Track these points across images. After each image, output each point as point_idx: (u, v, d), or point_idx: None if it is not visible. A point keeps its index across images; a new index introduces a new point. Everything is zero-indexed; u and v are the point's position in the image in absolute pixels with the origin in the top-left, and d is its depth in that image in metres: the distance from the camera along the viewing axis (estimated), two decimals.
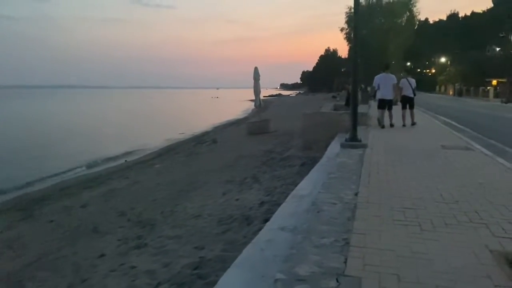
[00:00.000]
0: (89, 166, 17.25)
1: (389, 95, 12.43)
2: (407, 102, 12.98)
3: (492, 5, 57.59)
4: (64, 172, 15.86)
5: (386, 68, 13.13)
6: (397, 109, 13.00)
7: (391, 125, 12.48)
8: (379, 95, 12.69)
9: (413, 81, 13.11)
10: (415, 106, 13.51)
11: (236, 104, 72.87)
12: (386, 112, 12.56)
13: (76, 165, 17.08)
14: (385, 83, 12.41)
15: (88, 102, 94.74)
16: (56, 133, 28.99)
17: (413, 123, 12.93)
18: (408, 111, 12.98)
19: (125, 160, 18.25)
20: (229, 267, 3.47)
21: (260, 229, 4.51)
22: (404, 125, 12.67)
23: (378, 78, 12.53)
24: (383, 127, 12.22)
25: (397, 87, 12.80)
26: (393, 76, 12.85)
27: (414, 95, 13.05)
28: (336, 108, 19.26)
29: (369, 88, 27.15)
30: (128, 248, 6.44)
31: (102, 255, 6.33)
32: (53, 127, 33.61)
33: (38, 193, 12.66)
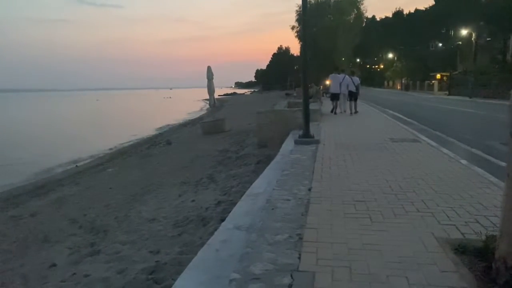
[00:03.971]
0: (37, 173, 16.44)
1: (337, 90, 16.59)
2: (351, 96, 16.63)
3: (433, 2, 60.23)
4: (9, 183, 15.01)
5: (335, 69, 17.70)
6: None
7: (343, 111, 16.69)
8: (330, 90, 17.03)
9: (356, 79, 16.93)
10: (358, 99, 17.31)
11: (190, 104, 72.13)
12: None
13: (23, 173, 16.22)
14: (335, 81, 16.58)
15: (30, 107, 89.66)
16: None
17: (356, 112, 16.62)
18: (352, 102, 16.63)
19: (76, 165, 17.58)
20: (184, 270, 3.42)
21: (216, 229, 4.48)
22: (350, 113, 16.37)
23: (330, 76, 16.88)
24: (335, 113, 16.39)
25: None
26: (342, 75, 16.70)
27: (357, 90, 16.68)
28: (289, 106, 19.48)
29: (320, 87, 27.68)
30: (81, 256, 6.22)
31: (53, 265, 6.07)
32: None
33: None
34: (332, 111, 16.61)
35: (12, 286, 5.66)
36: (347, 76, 16.76)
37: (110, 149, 22.01)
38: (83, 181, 13.56)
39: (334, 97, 16.86)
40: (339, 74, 16.95)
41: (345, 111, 16.69)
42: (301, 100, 10.70)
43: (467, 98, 31.99)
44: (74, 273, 5.51)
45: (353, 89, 16.52)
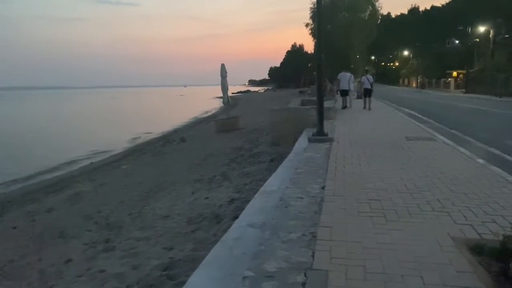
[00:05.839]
0: (53, 169, 16.70)
1: (346, 87, 18.34)
2: (366, 93, 18.10)
3: None
4: (27, 178, 15.28)
5: (343, 68, 20.47)
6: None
7: (350, 106, 18.40)
8: (340, 87, 18.69)
9: (370, 77, 18.45)
10: (372, 96, 18.60)
11: (204, 102, 72.30)
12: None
13: (40, 169, 16.48)
14: (343, 79, 18.31)
15: (48, 104, 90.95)
16: (17, 137, 27.88)
17: (369, 108, 17.71)
18: (367, 99, 17.97)
19: (91, 162, 17.79)
20: (198, 266, 3.44)
21: (230, 227, 4.49)
22: (364, 108, 17.82)
23: (339, 75, 18.58)
24: (344, 107, 18.05)
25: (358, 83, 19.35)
26: (349, 74, 18.85)
27: (372, 87, 18.14)
28: (303, 103, 19.46)
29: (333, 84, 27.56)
30: (96, 252, 6.30)
31: (69, 260, 6.16)
32: (15, 130, 32.36)
33: None
34: (342, 107, 18.15)
35: (30, 280, 5.76)
36: (352, 74, 19.29)
37: (125, 146, 22.23)
38: (98, 177, 13.72)
39: (344, 93, 18.53)
40: (346, 72, 19.04)
41: (350, 107, 18.53)
42: (315, 98, 10.65)
43: (483, 96, 31.47)
44: (90, 269, 5.59)
45: (368, 86, 18.03)
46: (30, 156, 19.79)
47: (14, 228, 8.80)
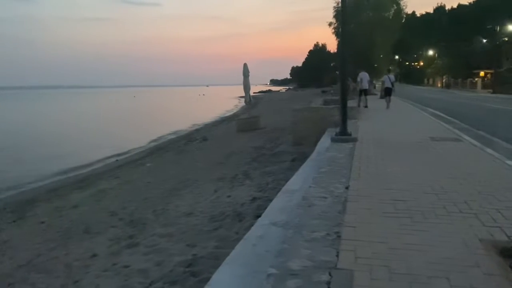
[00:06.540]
0: (80, 167, 17.06)
1: (366, 86, 19.39)
2: (387, 92, 18.68)
3: None
4: (54, 174, 15.67)
5: (362, 68, 20.80)
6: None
7: (366, 106, 18.67)
8: (360, 87, 19.34)
9: (392, 77, 19.13)
10: (396, 96, 19.76)
11: (225, 101, 72.59)
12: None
13: (67, 167, 16.87)
14: (363, 78, 19.18)
15: (74, 103, 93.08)
16: (46, 135, 28.62)
17: (388, 107, 18.10)
18: (388, 97, 18.48)
19: (116, 160, 18.12)
20: (221, 264, 3.47)
21: (252, 225, 4.51)
22: (388, 108, 18.00)
23: (360, 75, 19.36)
24: (365, 106, 18.60)
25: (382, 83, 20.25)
26: (367, 73, 19.90)
27: (393, 86, 18.59)
28: (326, 103, 19.40)
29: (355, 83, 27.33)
30: (120, 247, 6.41)
31: (94, 255, 6.29)
32: (45, 129, 33.21)
33: (28, 194, 12.51)
34: (364, 106, 18.75)
35: (57, 274, 5.91)
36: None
37: (148, 144, 22.54)
38: (123, 175, 13.95)
39: (364, 92, 19.30)
40: (365, 72, 19.88)
41: (366, 106, 18.90)
42: (338, 97, 10.58)
43: None
44: (114, 264, 5.69)
45: (389, 85, 18.61)
46: (57, 153, 20.29)
47: (42, 222, 9.03)
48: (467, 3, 63.93)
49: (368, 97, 20.19)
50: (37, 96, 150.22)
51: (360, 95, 19.37)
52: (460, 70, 56.17)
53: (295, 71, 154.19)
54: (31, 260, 6.73)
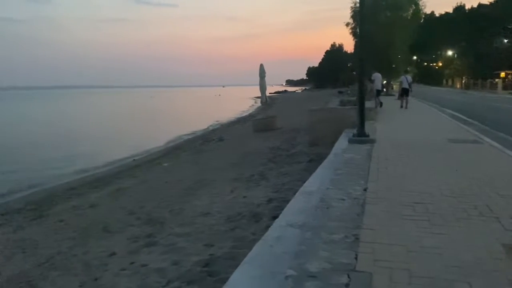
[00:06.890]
0: (98, 166, 17.29)
1: (379, 87, 19.60)
2: (404, 92, 19.29)
3: None
4: (72, 173, 15.92)
5: (375, 69, 20.56)
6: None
7: (381, 105, 19.06)
8: (376, 87, 19.29)
9: (409, 77, 19.82)
10: (414, 97, 19.64)
11: (241, 102, 72.72)
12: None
13: (85, 166, 17.13)
14: (376, 79, 19.20)
15: (93, 103, 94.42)
16: (65, 134, 29.11)
17: (406, 107, 18.80)
18: (404, 98, 19.11)
19: (133, 159, 18.30)
20: (238, 264, 3.47)
21: (268, 226, 4.51)
22: (401, 107, 18.94)
23: (374, 75, 19.32)
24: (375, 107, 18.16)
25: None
26: (380, 74, 19.86)
27: (410, 87, 19.23)
28: (342, 104, 19.28)
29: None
30: (138, 246, 6.47)
31: (113, 254, 6.36)
32: (61, 128, 33.77)
33: (47, 193, 12.74)
34: (376, 106, 18.73)
35: (76, 271, 6.00)
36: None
37: (165, 144, 22.73)
38: (140, 174, 14.09)
39: (378, 93, 19.48)
40: (378, 73, 20.08)
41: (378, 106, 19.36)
42: (355, 98, 10.50)
43: None
44: (133, 262, 5.74)
45: (406, 86, 19.20)
46: (76, 152, 20.62)
47: (61, 221, 9.17)
48: (488, 3, 62.78)
49: (386, 97, 20.57)
50: (55, 96, 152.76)
51: (377, 96, 19.39)
52: (480, 71, 55.17)
53: (311, 71, 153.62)
54: (50, 257, 6.84)
